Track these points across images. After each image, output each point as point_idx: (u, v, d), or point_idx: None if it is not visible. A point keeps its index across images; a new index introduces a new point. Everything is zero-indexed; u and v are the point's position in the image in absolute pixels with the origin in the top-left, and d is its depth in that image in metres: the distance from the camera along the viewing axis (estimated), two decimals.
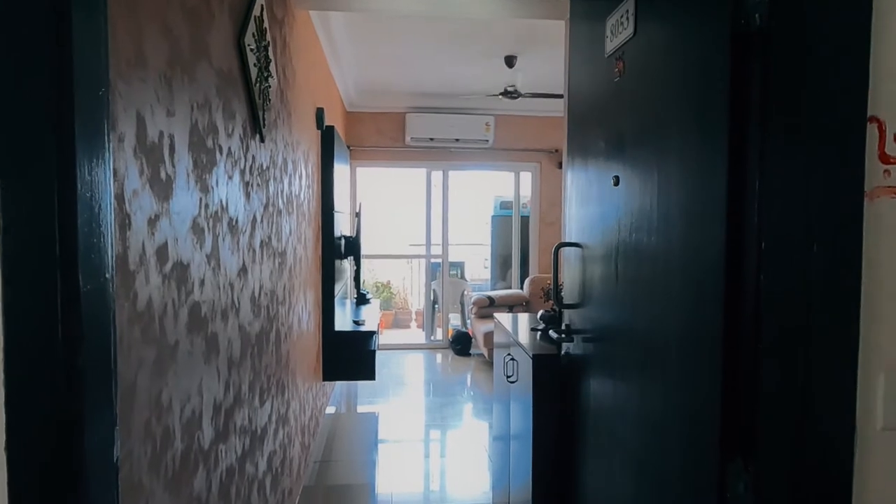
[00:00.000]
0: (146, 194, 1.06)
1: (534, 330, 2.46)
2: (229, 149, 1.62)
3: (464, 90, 5.61)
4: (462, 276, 8.43)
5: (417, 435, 4.18)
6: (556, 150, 6.40)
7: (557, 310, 2.15)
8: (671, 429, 1.26)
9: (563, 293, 2.01)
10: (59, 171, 0.71)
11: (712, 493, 1.08)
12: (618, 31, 1.52)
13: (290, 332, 2.72)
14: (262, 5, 1.94)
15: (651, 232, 1.33)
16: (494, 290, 7.24)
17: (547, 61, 4.59)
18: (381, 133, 6.28)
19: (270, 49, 2.08)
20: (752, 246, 1.00)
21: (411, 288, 9.72)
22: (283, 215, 2.51)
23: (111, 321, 0.81)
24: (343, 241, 3.79)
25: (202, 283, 1.37)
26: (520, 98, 4.80)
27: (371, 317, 3.87)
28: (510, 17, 3.43)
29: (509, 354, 2.46)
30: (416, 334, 7.91)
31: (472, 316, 6.16)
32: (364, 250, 4.17)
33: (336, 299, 3.40)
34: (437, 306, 6.97)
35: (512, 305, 6.06)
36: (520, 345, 2.28)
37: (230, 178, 1.63)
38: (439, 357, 6.39)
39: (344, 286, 4.00)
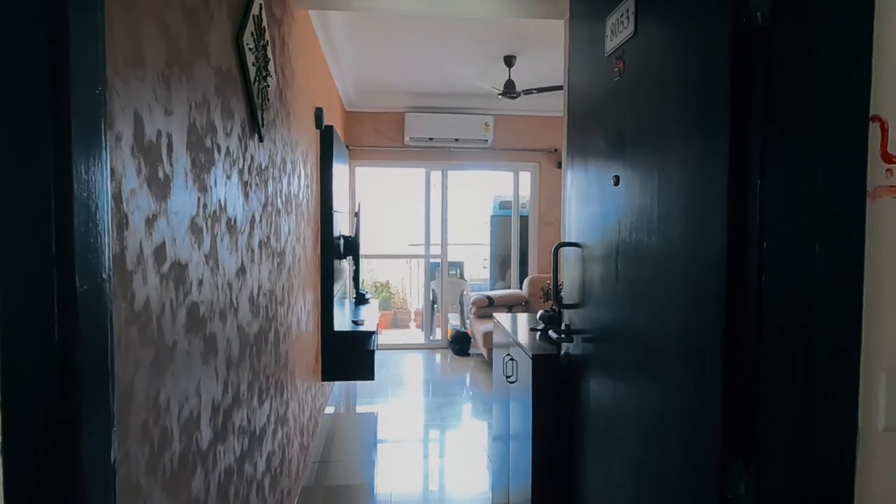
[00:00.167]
0: (144, 194, 1.06)
1: (533, 330, 2.46)
2: (228, 148, 1.61)
3: (463, 90, 5.61)
4: (461, 276, 8.43)
5: (416, 435, 4.18)
6: (556, 150, 6.40)
7: (557, 310, 2.15)
8: (671, 429, 1.25)
9: (562, 293, 2.01)
10: (55, 170, 0.70)
11: (713, 494, 1.07)
12: (618, 30, 1.52)
13: (289, 332, 2.71)
14: (260, 4, 1.94)
15: (651, 232, 1.33)
16: (493, 289, 7.23)
17: (546, 61, 4.58)
18: (380, 133, 6.28)
19: (269, 48, 2.07)
20: (754, 246, 1.00)
21: (410, 288, 9.72)
22: (282, 215, 2.51)
23: (108, 321, 0.80)
24: (342, 241, 3.78)
25: (200, 283, 1.37)
26: (519, 97, 4.80)
27: (370, 317, 3.87)
28: (509, 17, 3.43)
29: (509, 355, 2.45)
30: (415, 334, 7.90)
31: (472, 316, 6.16)
32: (363, 250, 4.17)
33: (335, 299, 3.40)
34: (436, 306, 6.97)
35: (511, 305, 6.05)
36: (519, 345, 2.28)
37: (228, 177, 1.62)
38: (438, 357, 6.39)
39: (343, 286, 3.99)
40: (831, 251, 0.91)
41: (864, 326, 0.91)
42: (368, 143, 6.24)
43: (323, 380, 3.61)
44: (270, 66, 2.08)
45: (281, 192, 2.47)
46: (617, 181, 1.52)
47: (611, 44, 1.57)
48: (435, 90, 5.80)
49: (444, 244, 6.63)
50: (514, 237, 6.94)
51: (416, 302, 9.20)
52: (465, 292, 7.15)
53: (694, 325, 1.16)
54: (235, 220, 1.69)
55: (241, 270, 1.77)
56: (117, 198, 0.95)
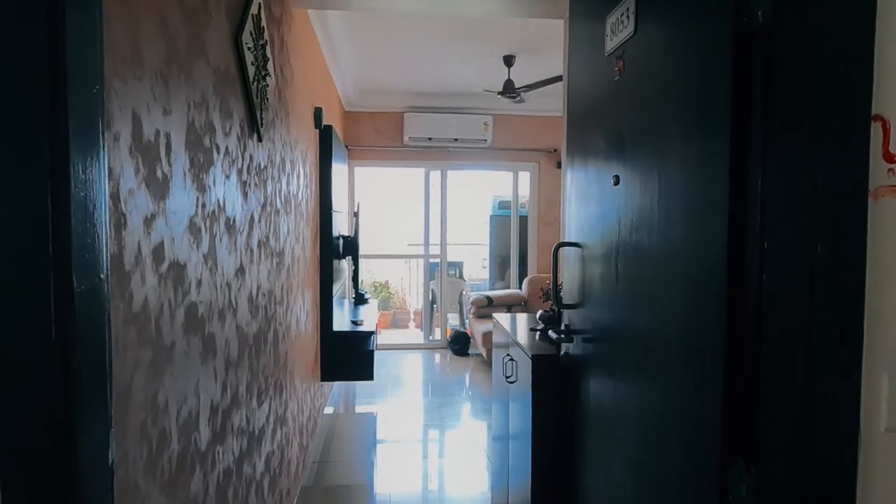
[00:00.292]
0: (142, 194, 1.05)
1: (533, 330, 2.45)
2: (226, 148, 1.61)
3: (462, 90, 5.61)
4: (460, 276, 8.42)
5: (416, 435, 4.17)
6: (555, 150, 6.40)
7: (557, 310, 2.14)
8: (672, 429, 1.25)
9: (562, 293, 2.00)
10: (52, 169, 0.70)
11: (713, 495, 1.07)
12: (618, 29, 1.51)
13: (288, 332, 2.71)
14: (259, 4, 1.93)
15: (652, 231, 1.32)
16: (493, 289, 7.24)
17: (545, 61, 4.58)
18: (380, 133, 6.27)
19: (268, 48, 2.06)
20: (755, 246, 0.99)
21: (409, 288, 9.71)
22: (281, 215, 2.50)
23: (106, 322, 0.80)
24: (341, 241, 3.78)
25: (199, 283, 1.36)
26: (519, 98, 4.79)
27: (369, 317, 3.86)
28: (509, 17, 3.42)
29: (508, 355, 2.45)
30: (414, 334, 7.90)
31: (471, 316, 6.16)
32: (362, 250, 4.17)
33: (334, 299, 3.39)
34: (435, 306, 6.96)
35: (510, 305, 6.05)
36: (519, 345, 2.28)
37: (227, 177, 1.62)
38: (438, 357, 6.39)
39: (342, 286, 3.99)
40: (832, 251, 0.91)
41: (865, 327, 0.91)
42: (367, 142, 6.24)
43: (322, 380, 3.61)
44: (269, 66, 2.08)
45: (280, 191, 2.47)
46: (617, 181, 1.52)
47: (611, 43, 1.56)
48: (434, 90, 5.80)
49: (443, 244, 6.63)
50: (513, 237, 6.94)
51: (415, 302, 9.20)
52: (464, 292, 7.14)
53: (694, 325, 1.16)
54: (234, 220, 1.68)
55: (240, 270, 1.76)
56: (115, 197, 0.94)
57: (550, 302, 2.45)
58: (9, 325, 0.69)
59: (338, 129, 4.69)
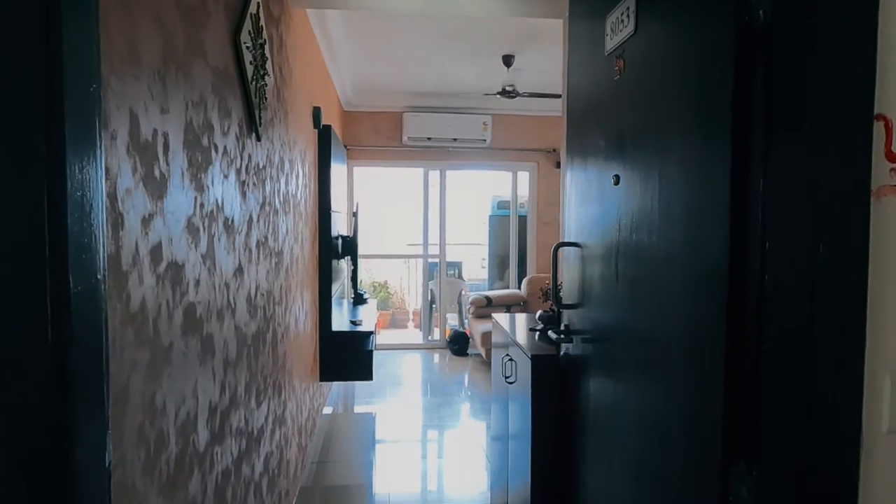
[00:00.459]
0: (139, 193, 1.04)
1: (532, 330, 2.45)
2: (225, 147, 1.60)
3: (461, 90, 5.60)
4: (459, 276, 8.42)
5: (415, 435, 4.17)
6: (554, 150, 6.39)
7: (556, 310, 2.14)
8: (672, 430, 1.24)
9: (561, 293, 2.00)
10: (48, 169, 0.69)
11: (714, 496, 1.06)
12: (618, 28, 1.51)
13: (287, 332, 2.70)
14: (258, 3, 1.92)
15: (652, 231, 1.32)
16: (492, 289, 7.23)
17: (545, 61, 4.58)
18: (379, 132, 6.26)
19: (267, 47, 2.06)
20: (756, 245, 0.99)
21: (408, 288, 9.71)
22: (280, 215, 2.49)
23: (103, 323, 0.79)
24: (340, 241, 3.77)
25: (197, 283, 1.36)
26: (517, 97, 4.79)
27: (368, 317, 3.86)
28: (508, 16, 3.42)
29: (507, 355, 2.45)
30: (413, 334, 7.89)
31: (470, 316, 6.15)
32: (361, 250, 4.16)
33: (333, 299, 3.39)
34: (434, 306, 6.96)
35: (510, 305, 6.05)
36: (518, 345, 2.27)
37: (226, 177, 1.61)
38: (437, 357, 6.38)
39: (341, 286, 3.98)
40: (834, 251, 0.91)
41: (868, 327, 0.90)
42: (366, 142, 6.23)
43: (321, 380, 3.60)
44: (268, 65, 2.07)
45: (279, 191, 2.46)
46: (617, 181, 1.51)
47: (611, 43, 1.56)
48: (433, 90, 5.79)
49: (442, 244, 6.62)
50: (512, 237, 6.93)
51: (414, 302, 9.19)
52: (463, 292, 7.14)
53: (695, 325, 1.15)
54: (233, 220, 1.68)
55: (239, 270, 1.75)
56: (112, 197, 0.94)
57: (550, 302, 2.44)
58: (5, 325, 0.68)
59: (337, 129, 4.68)
